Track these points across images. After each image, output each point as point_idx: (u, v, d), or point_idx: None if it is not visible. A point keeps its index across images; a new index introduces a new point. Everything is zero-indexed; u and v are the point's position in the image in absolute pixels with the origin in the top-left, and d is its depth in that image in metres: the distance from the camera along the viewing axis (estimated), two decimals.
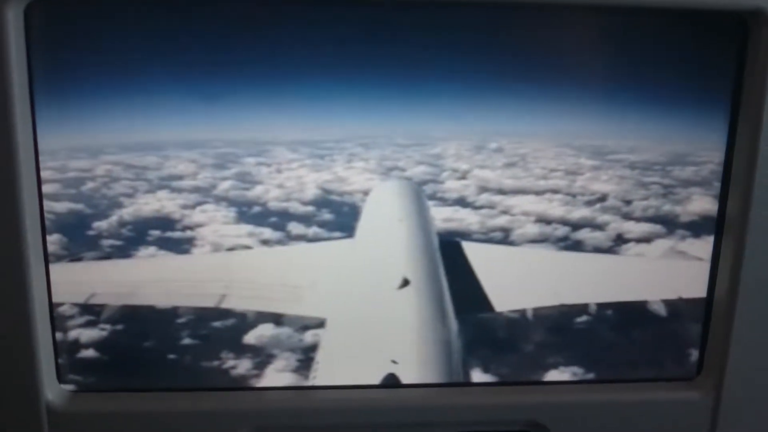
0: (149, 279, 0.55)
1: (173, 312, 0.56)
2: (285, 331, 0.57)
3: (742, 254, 0.52)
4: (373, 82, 0.52)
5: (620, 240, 0.58)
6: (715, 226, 0.55)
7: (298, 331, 0.57)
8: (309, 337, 0.57)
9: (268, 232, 0.56)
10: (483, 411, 0.56)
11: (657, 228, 0.57)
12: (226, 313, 0.56)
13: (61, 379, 0.54)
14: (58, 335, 0.54)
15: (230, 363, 0.57)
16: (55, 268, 0.52)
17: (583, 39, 0.53)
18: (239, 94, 0.51)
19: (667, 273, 0.58)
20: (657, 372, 0.59)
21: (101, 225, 0.54)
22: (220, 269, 0.56)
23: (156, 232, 0.55)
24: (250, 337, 0.57)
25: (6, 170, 0.48)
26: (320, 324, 0.57)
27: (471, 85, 0.53)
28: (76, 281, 0.54)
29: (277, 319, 0.57)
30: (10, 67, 0.46)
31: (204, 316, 0.56)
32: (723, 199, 0.54)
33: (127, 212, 0.54)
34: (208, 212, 0.56)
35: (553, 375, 0.58)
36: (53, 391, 0.53)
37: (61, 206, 0.53)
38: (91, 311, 0.55)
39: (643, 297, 0.58)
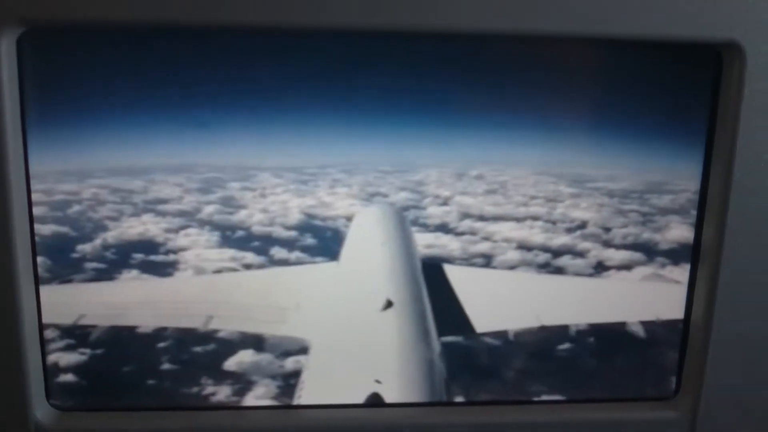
0: (137, 300, 0.60)
1: (160, 333, 0.60)
2: (266, 357, 0.61)
3: (718, 278, 0.58)
4: (357, 109, 0.57)
5: (601, 267, 0.63)
6: (691, 250, 0.60)
7: (279, 357, 0.62)
8: (290, 363, 0.62)
9: (250, 257, 0.61)
10: (465, 430, 0.60)
11: (636, 255, 0.62)
12: (211, 335, 0.61)
13: (50, 398, 0.58)
14: (48, 355, 0.58)
15: (214, 386, 0.61)
16: (45, 289, 0.57)
17: (562, 70, 0.58)
18: (225, 121, 0.56)
19: (646, 295, 0.63)
20: (635, 392, 0.63)
21: (85, 248, 0.59)
22: (206, 291, 0.61)
23: (139, 255, 0.60)
24: (234, 361, 0.61)
25: None
26: (303, 350, 0.61)
27: (452, 114, 0.58)
28: (65, 302, 0.58)
29: (259, 343, 0.61)
30: (2, 93, 0.51)
31: (190, 337, 0.61)
32: (699, 224, 0.59)
33: (111, 235, 0.59)
34: (192, 236, 0.60)
35: (533, 395, 0.63)
36: (42, 410, 0.57)
37: (47, 228, 0.57)
38: (80, 332, 0.59)
39: (622, 318, 0.63)
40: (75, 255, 0.58)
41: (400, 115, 0.58)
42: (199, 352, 0.61)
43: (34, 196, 0.55)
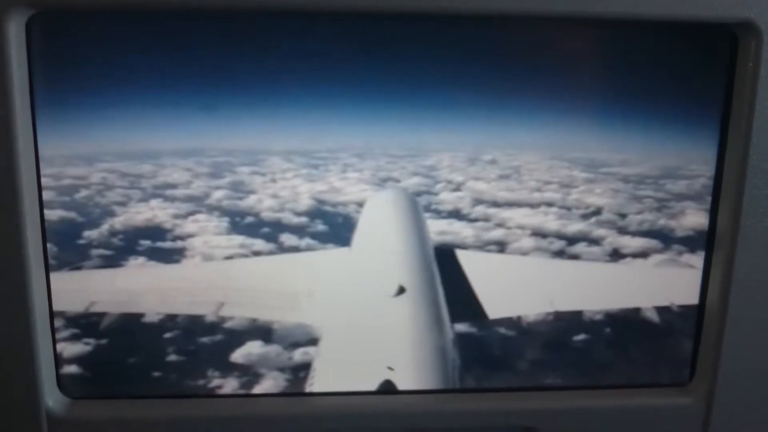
0: (148, 287, 0.62)
1: (171, 320, 0.62)
2: (275, 348, 0.64)
3: (733, 263, 0.60)
4: (368, 92, 0.60)
5: (616, 254, 0.65)
6: (706, 235, 0.62)
7: (288, 348, 0.64)
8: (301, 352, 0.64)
9: (259, 243, 0.63)
10: (478, 417, 0.63)
11: (653, 242, 0.64)
12: (223, 322, 0.63)
13: (61, 386, 0.61)
14: (58, 343, 0.60)
15: (225, 374, 0.63)
16: (55, 277, 0.59)
17: (575, 52, 0.60)
18: (236, 103, 0.59)
19: (660, 280, 0.65)
20: (650, 378, 0.66)
21: (92, 234, 0.61)
22: (218, 277, 0.63)
23: (146, 242, 0.62)
24: (246, 350, 0.63)
25: (7, 179, 0.54)
26: (313, 341, 0.64)
27: (465, 97, 0.60)
28: (75, 289, 0.61)
29: (270, 332, 0.63)
30: (11, 76, 0.53)
31: (201, 324, 0.63)
32: (714, 208, 0.62)
33: (118, 221, 0.61)
34: (200, 222, 0.62)
35: (547, 381, 0.65)
36: (53, 398, 0.60)
37: (54, 214, 0.59)
38: (91, 319, 0.62)
39: (636, 304, 0.65)
40: (83, 241, 0.60)
41: (413, 98, 0.60)
42: (210, 338, 0.63)
43: (43, 181, 0.57)
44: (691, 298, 0.64)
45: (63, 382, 0.61)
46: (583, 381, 0.66)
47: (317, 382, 0.64)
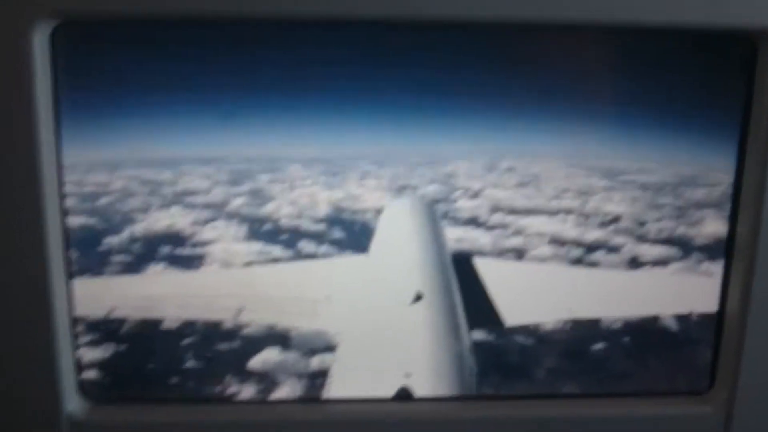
0: (167, 293, 0.64)
1: (191, 326, 0.63)
2: (293, 354, 0.65)
3: (753, 270, 0.60)
4: (387, 100, 0.61)
5: (635, 263, 0.65)
6: (726, 242, 0.62)
7: (306, 354, 0.65)
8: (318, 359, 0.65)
9: (278, 250, 0.64)
10: (495, 424, 0.63)
11: (672, 251, 0.65)
12: (242, 328, 0.64)
13: (82, 391, 0.62)
14: (80, 348, 0.61)
15: (243, 380, 0.64)
16: (76, 282, 0.60)
17: (594, 60, 0.61)
18: (256, 111, 0.60)
19: (679, 288, 0.65)
20: (669, 386, 0.66)
21: (113, 240, 0.62)
22: (237, 284, 0.64)
23: (166, 248, 0.63)
24: (264, 356, 0.64)
25: (30, 185, 0.55)
26: (330, 347, 0.64)
27: (483, 105, 0.61)
28: (96, 295, 0.62)
29: (288, 339, 0.64)
30: (36, 86, 0.54)
31: (220, 330, 0.64)
32: (734, 215, 0.62)
33: (138, 228, 0.62)
34: (219, 229, 0.63)
35: (565, 388, 0.66)
36: (74, 403, 0.61)
37: (75, 220, 0.60)
38: (112, 325, 0.63)
39: (655, 312, 0.66)
40: (104, 248, 0.62)
41: (431, 106, 0.61)
42: (229, 344, 0.64)
43: (66, 188, 0.59)
44: (711, 305, 0.64)
45: (84, 387, 0.62)
46: (601, 389, 0.66)
47: (334, 389, 0.64)
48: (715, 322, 0.64)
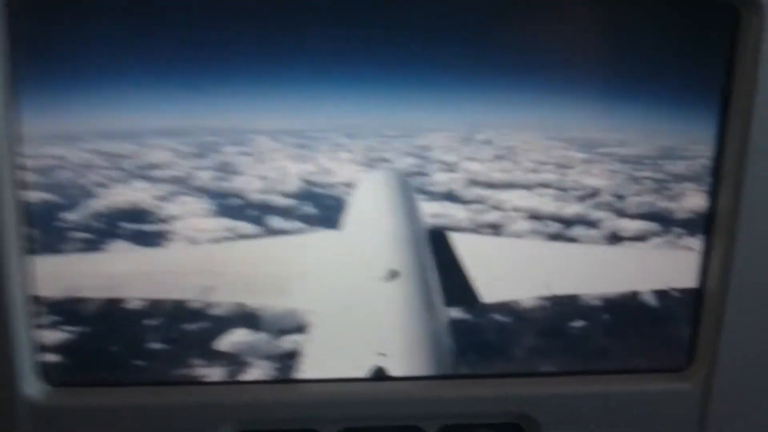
0: (131, 272, 0.61)
1: (157, 305, 0.61)
2: (263, 336, 0.63)
3: (734, 245, 0.59)
4: (360, 70, 0.59)
5: (615, 238, 0.64)
6: (706, 216, 0.61)
7: (277, 334, 0.63)
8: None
9: (246, 226, 0.62)
10: (472, 403, 0.62)
11: (652, 225, 0.64)
12: (210, 307, 0.62)
13: (42, 374, 0.60)
14: (39, 330, 0.59)
15: (211, 360, 0.62)
16: (35, 261, 0.57)
17: (571, 28, 0.59)
18: (222, 81, 0.58)
19: (658, 263, 0.64)
20: (647, 363, 0.65)
21: (72, 216, 0.60)
22: (204, 262, 0.62)
23: (129, 225, 0.61)
24: (234, 336, 0.62)
25: None
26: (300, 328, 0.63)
27: (458, 75, 0.59)
28: (57, 274, 0.59)
29: (257, 318, 0.63)
30: None
31: (187, 310, 0.62)
32: (714, 190, 0.61)
33: (100, 203, 0.60)
34: (185, 204, 0.61)
35: (542, 366, 0.65)
36: (33, 386, 0.59)
37: (32, 195, 0.58)
38: (72, 305, 0.60)
39: (634, 287, 0.65)
40: (64, 224, 0.59)
41: (405, 76, 0.59)
42: (196, 325, 0.62)
43: (21, 161, 0.56)
44: (690, 281, 0.63)
45: (44, 370, 0.60)
46: (579, 366, 0.65)
47: (307, 368, 0.63)
48: (695, 297, 0.63)
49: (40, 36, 0.55)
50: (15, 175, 0.56)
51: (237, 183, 0.61)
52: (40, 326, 0.60)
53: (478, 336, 0.65)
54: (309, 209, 0.62)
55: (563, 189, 0.63)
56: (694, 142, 0.62)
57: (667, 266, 0.64)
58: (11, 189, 0.55)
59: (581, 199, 0.64)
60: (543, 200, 0.64)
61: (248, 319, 0.63)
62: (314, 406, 0.61)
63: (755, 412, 0.64)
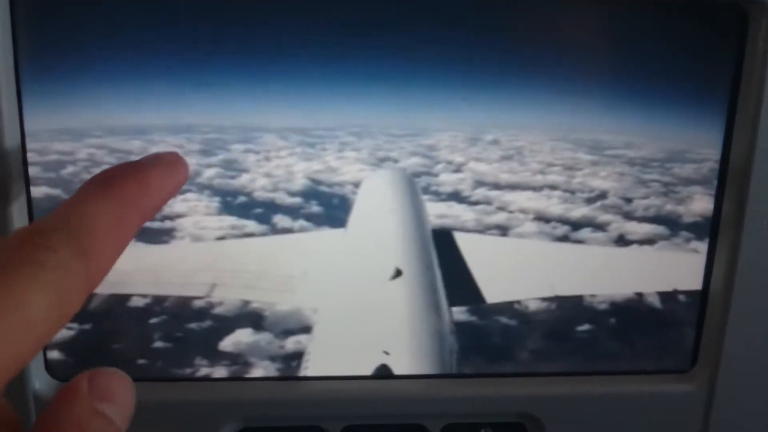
0: (137, 268, 0.62)
1: (162, 302, 0.63)
2: (266, 336, 0.64)
3: (739, 248, 0.60)
4: (367, 69, 0.60)
5: (623, 241, 0.65)
6: (711, 218, 0.62)
7: (280, 335, 0.64)
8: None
9: (252, 225, 0.63)
10: (475, 402, 0.63)
11: (660, 228, 0.65)
12: (215, 305, 0.64)
13: (49, 369, 0.61)
14: None
15: (217, 358, 0.64)
16: None
17: (579, 29, 0.60)
18: (229, 78, 0.59)
19: (663, 265, 0.65)
20: (651, 364, 0.67)
21: None
22: (209, 259, 0.63)
23: None
24: (238, 335, 0.63)
25: None
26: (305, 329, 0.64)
27: (466, 75, 0.60)
28: None
29: (263, 316, 0.64)
30: None
31: (192, 307, 0.63)
32: (720, 191, 0.62)
33: None
34: (190, 201, 0.62)
35: (546, 367, 0.66)
36: (41, 381, 0.60)
37: (39, 191, 0.59)
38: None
39: (638, 289, 0.66)
40: None
41: (413, 76, 0.60)
42: (201, 322, 0.64)
43: (28, 156, 0.58)
44: (695, 283, 0.64)
45: (51, 365, 0.61)
46: (583, 367, 0.66)
47: (311, 367, 0.64)
48: (699, 299, 0.64)
49: (46, 30, 0.56)
50: (21, 171, 0.57)
51: (243, 180, 0.62)
52: None
53: (483, 336, 0.66)
54: (315, 208, 0.63)
55: (570, 191, 0.64)
56: (702, 145, 0.63)
57: (672, 268, 0.66)
58: (17, 185, 0.57)
59: (588, 201, 0.65)
60: (550, 202, 0.65)
61: (254, 316, 0.64)
62: (318, 404, 0.63)
63: (759, 413, 0.65)
